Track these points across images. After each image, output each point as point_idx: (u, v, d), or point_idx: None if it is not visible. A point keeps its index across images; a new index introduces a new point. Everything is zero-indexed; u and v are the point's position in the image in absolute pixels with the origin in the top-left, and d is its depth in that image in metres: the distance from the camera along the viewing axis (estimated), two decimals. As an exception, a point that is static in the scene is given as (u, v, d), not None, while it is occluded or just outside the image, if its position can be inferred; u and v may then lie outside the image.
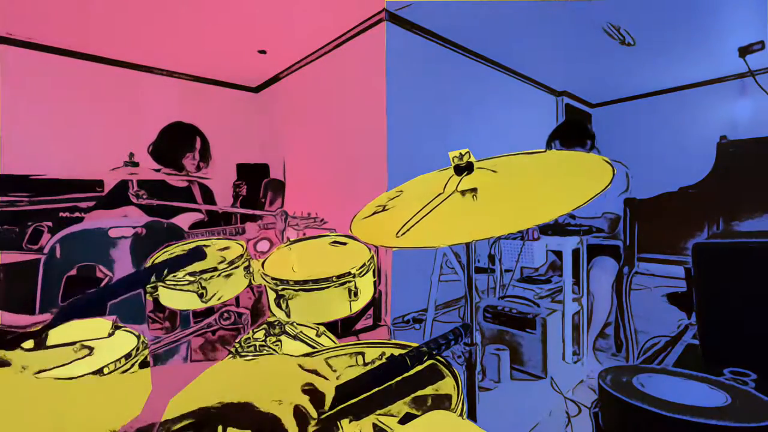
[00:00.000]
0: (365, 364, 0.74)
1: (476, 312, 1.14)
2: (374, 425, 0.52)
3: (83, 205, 2.81)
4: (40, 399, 0.39)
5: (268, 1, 2.71)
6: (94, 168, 3.39)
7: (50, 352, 0.76)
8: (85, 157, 3.40)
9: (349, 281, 0.93)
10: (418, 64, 3.17)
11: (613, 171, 0.57)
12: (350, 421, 0.46)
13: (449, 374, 0.63)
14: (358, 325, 2.67)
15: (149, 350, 0.77)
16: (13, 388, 0.40)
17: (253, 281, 1.06)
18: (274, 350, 0.90)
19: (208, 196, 2.10)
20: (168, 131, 1.96)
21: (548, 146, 2.24)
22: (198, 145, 2.00)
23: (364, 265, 0.97)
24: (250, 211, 1.46)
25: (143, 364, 0.73)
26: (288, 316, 0.96)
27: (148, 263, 1.06)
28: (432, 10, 2.91)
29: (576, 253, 1.82)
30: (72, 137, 3.35)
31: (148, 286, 1.03)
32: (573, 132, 2.15)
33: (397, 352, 0.73)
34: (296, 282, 0.93)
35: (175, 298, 1.00)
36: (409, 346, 0.74)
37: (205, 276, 0.98)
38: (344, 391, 0.46)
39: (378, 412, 0.54)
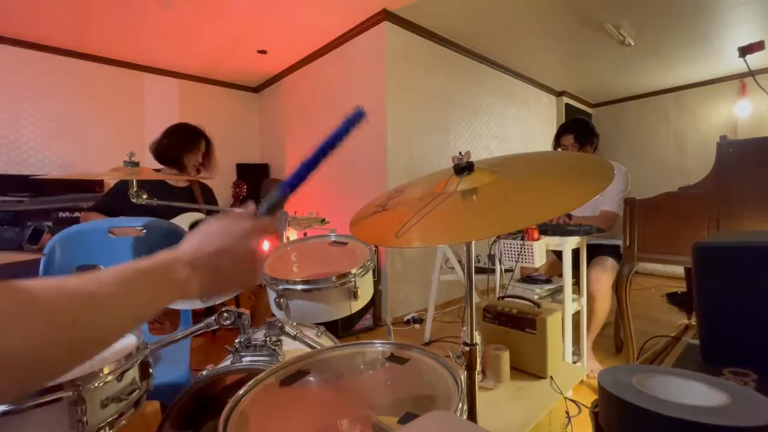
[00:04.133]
0: (365, 364, 0.74)
1: (476, 312, 1.14)
2: (374, 425, 0.52)
3: (83, 204, 2.81)
4: None
5: (268, 2, 2.71)
6: (94, 168, 3.39)
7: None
8: (85, 157, 3.40)
9: (349, 281, 0.93)
10: (417, 64, 3.17)
11: (613, 171, 0.57)
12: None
13: (449, 374, 0.63)
14: (358, 325, 2.67)
15: (149, 350, 0.77)
16: None
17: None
18: (274, 350, 0.90)
19: (208, 195, 2.10)
20: (174, 130, 1.95)
21: (555, 145, 2.24)
22: (202, 147, 1.99)
23: (364, 265, 0.97)
24: (250, 211, 1.45)
25: (143, 364, 0.73)
26: (288, 316, 0.96)
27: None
28: (432, 10, 2.92)
29: (576, 253, 1.82)
30: (72, 137, 3.36)
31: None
32: (583, 131, 2.16)
33: (397, 351, 0.73)
34: (296, 282, 0.93)
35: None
36: (410, 346, 0.74)
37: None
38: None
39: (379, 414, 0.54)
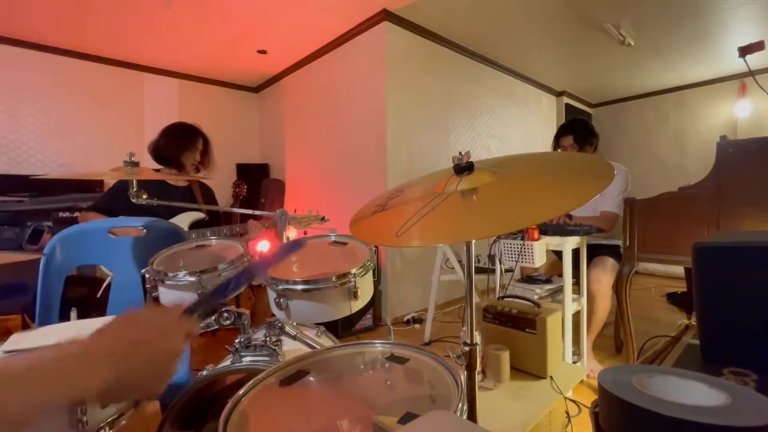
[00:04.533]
0: (365, 364, 0.74)
1: (476, 312, 1.14)
2: (374, 425, 0.52)
3: (83, 204, 2.81)
4: None
5: (268, 2, 2.71)
6: (94, 168, 3.39)
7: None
8: (85, 157, 3.40)
9: (349, 281, 0.93)
10: (417, 64, 3.17)
11: (613, 171, 0.57)
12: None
13: (449, 374, 0.63)
14: (358, 325, 2.67)
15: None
16: None
17: (253, 281, 1.06)
18: (274, 350, 0.90)
19: (208, 195, 2.10)
20: (171, 130, 1.95)
21: (555, 146, 2.24)
22: (200, 146, 1.99)
23: (364, 265, 0.97)
24: (249, 211, 1.45)
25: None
26: (288, 316, 0.96)
27: (150, 262, 1.06)
28: (432, 10, 2.92)
29: (576, 253, 1.82)
30: (72, 137, 3.36)
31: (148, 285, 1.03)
32: (582, 131, 2.16)
33: (397, 351, 0.73)
34: (296, 282, 0.92)
35: (175, 298, 1.00)
36: (410, 346, 0.74)
37: (205, 276, 0.98)
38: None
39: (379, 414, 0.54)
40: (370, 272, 1.00)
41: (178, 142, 1.92)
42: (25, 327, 1.98)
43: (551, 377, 1.14)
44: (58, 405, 0.36)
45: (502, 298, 1.34)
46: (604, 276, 1.91)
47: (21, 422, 0.34)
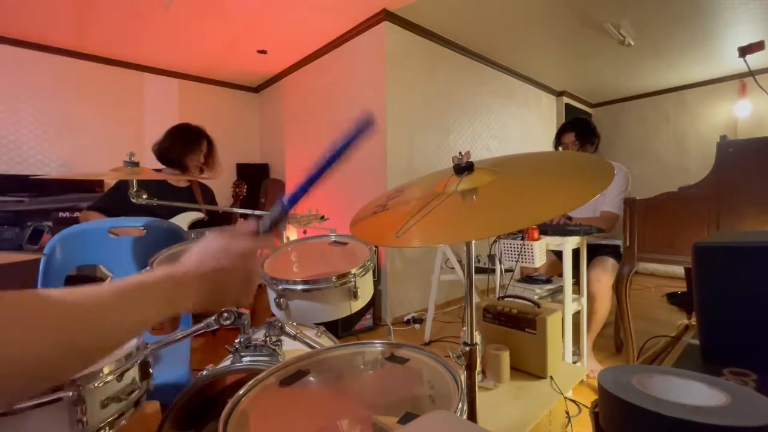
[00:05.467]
0: (365, 364, 0.74)
1: (476, 312, 1.14)
2: (374, 425, 0.52)
3: (83, 204, 2.81)
4: None
5: (268, 2, 2.71)
6: (94, 168, 3.39)
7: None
8: (85, 157, 3.40)
9: (349, 281, 0.93)
10: (418, 64, 3.17)
11: (613, 171, 0.57)
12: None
13: (449, 374, 0.63)
14: (358, 325, 2.67)
15: (149, 350, 0.77)
16: None
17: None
18: (274, 350, 0.90)
19: (208, 195, 2.09)
20: (175, 132, 1.94)
21: (556, 144, 2.25)
22: (204, 148, 1.98)
23: (364, 265, 0.97)
24: (249, 211, 1.45)
25: (143, 364, 0.73)
26: (288, 316, 0.96)
27: (150, 262, 1.06)
28: (432, 10, 2.92)
29: (576, 253, 1.82)
30: (72, 137, 3.36)
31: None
32: (584, 130, 2.16)
33: (397, 351, 0.73)
34: (296, 282, 0.93)
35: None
36: (410, 346, 0.74)
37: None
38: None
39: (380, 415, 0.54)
40: (370, 272, 1.01)
41: (183, 145, 1.91)
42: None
43: (551, 377, 1.14)
44: (160, 319, 0.44)
45: (502, 298, 1.34)
46: (604, 276, 1.91)
47: (129, 334, 0.41)
